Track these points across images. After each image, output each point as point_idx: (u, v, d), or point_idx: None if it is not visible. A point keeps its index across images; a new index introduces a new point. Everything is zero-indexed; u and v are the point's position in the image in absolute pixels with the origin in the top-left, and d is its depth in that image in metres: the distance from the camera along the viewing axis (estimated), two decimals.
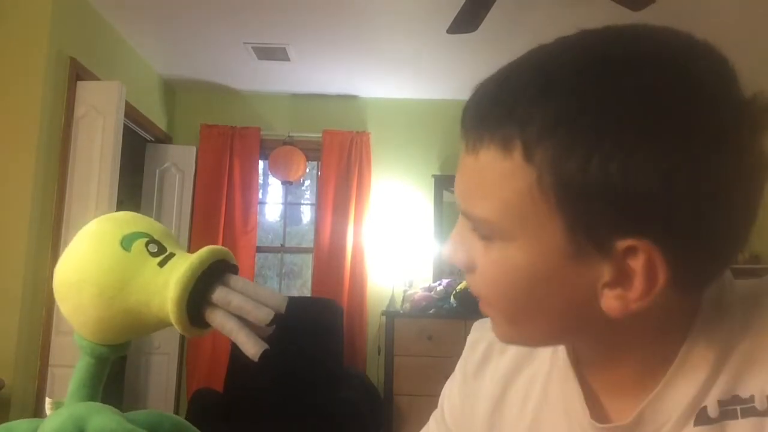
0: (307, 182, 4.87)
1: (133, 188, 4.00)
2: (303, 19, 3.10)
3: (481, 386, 0.60)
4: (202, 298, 0.58)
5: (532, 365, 0.57)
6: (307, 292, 4.40)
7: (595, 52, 0.40)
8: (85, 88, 2.90)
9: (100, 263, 0.59)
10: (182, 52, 3.61)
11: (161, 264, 0.59)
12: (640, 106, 0.37)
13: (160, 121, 3.94)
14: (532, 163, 0.39)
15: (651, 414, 0.45)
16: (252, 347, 0.56)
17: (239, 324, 0.57)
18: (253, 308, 0.57)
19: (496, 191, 0.42)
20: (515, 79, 0.41)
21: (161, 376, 3.83)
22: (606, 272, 0.40)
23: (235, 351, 3.20)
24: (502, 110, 0.41)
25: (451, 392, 0.65)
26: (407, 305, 3.80)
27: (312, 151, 4.18)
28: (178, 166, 4.01)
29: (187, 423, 0.67)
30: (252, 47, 3.48)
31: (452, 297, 3.63)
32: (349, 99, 4.24)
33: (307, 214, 4.88)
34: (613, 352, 0.47)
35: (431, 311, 3.63)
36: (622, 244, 0.39)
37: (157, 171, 3.96)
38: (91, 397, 0.62)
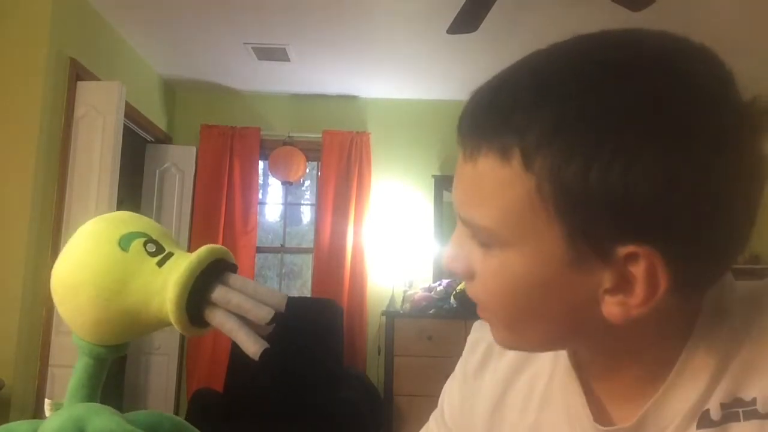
0: (307, 182, 4.87)
1: (133, 188, 4.00)
2: (303, 19, 3.10)
3: (480, 387, 0.60)
4: (202, 297, 0.57)
5: (533, 367, 0.56)
6: (307, 293, 4.40)
7: (592, 57, 0.40)
8: (85, 88, 2.90)
9: (97, 264, 0.59)
10: (182, 52, 3.60)
11: (160, 264, 0.59)
12: (639, 110, 0.36)
13: (160, 121, 3.94)
14: (531, 171, 0.39)
15: (653, 417, 0.45)
16: (252, 346, 0.56)
17: (239, 323, 0.57)
18: (252, 307, 0.57)
19: (495, 199, 0.41)
20: (512, 85, 0.41)
21: (161, 376, 3.83)
22: (607, 279, 0.40)
23: (235, 351, 3.21)
24: (499, 118, 0.40)
25: (451, 392, 0.65)
26: (407, 305, 3.80)
27: (312, 152, 4.18)
28: (178, 166, 4.01)
29: (187, 423, 0.67)
30: (252, 47, 3.48)
31: (452, 297, 3.63)
32: (349, 99, 4.24)
33: (307, 214, 4.88)
34: (613, 357, 0.47)
35: (431, 311, 3.63)
36: (623, 250, 0.38)
37: (157, 171, 3.97)
38: (90, 398, 0.62)
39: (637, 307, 0.40)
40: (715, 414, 0.43)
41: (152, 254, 0.60)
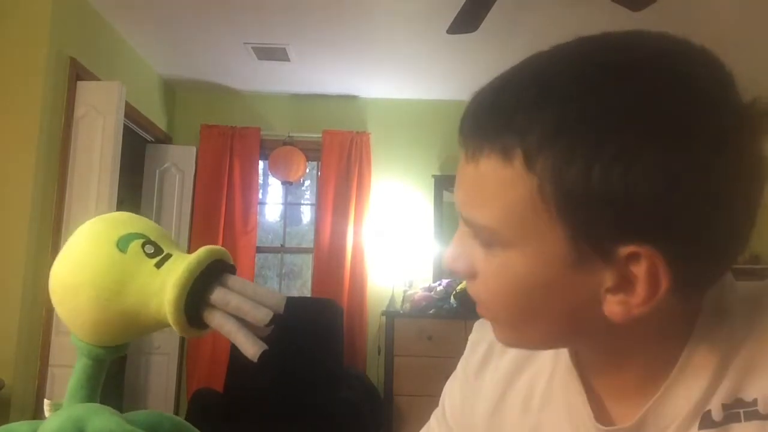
0: (307, 182, 4.87)
1: (133, 188, 4.00)
2: (303, 19, 3.10)
3: (481, 386, 0.60)
4: (201, 299, 0.57)
5: (533, 366, 0.57)
6: (307, 293, 4.40)
7: (593, 60, 0.40)
8: (85, 88, 2.90)
9: (96, 265, 0.59)
10: (182, 52, 3.60)
11: (158, 265, 0.59)
12: (640, 112, 0.37)
13: (160, 121, 3.94)
14: (533, 172, 0.39)
15: (653, 417, 0.45)
16: (251, 347, 0.56)
17: (238, 324, 0.57)
18: (251, 308, 0.56)
19: (497, 199, 0.42)
20: (513, 86, 0.41)
21: (161, 376, 3.83)
22: (608, 278, 0.40)
23: (235, 351, 3.18)
24: (501, 119, 0.41)
25: (452, 391, 0.65)
26: (407, 305, 3.80)
27: (312, 151, 4.18)
28: (178, 166, 4.01)
29: (187, 423, 0.67)
30: (252, 47, 3.48)
31: (452, 297, 3.63)
32: (349, 99, 4.24)
33: (307, 214, 4.88)
34: (614, 356, 0.47)
35: (431, 311, 3.63)
36: (625, 250, 0.39)
37: (157, 171, 3.96)
38: (90, 398, 0.62)
39: (639, 307, 0.40)
40: (716, 415, 0.43)
41: (150, 256, 0.60)
